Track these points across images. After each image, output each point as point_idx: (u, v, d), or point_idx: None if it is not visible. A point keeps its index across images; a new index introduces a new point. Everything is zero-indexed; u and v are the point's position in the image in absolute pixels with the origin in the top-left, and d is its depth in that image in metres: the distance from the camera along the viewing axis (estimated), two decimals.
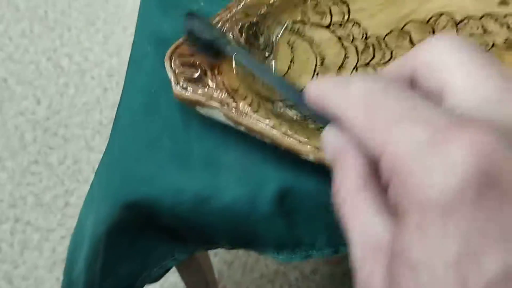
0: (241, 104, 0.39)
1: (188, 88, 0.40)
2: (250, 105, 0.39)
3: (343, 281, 0.96)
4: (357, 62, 0.45)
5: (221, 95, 0.40)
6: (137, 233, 0.44)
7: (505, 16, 0.47)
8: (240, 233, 0.43)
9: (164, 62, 0.41)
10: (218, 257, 0.99)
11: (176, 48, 0.41)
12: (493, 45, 0.45)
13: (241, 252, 0.99)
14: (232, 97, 0.39)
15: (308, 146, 0.38)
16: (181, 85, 0.40)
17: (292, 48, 0.45)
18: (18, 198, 1.09)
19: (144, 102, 0.44)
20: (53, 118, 1.19)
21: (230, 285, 0.97)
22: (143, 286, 0.48)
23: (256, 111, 0.39)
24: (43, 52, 1.26)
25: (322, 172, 0.40)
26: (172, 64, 0.41)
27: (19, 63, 1.26)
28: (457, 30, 0.46)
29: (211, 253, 0.99)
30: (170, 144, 0.42)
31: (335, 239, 0.43)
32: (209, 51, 0.40)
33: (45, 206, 1.09)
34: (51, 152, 1.15)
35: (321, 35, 0.46)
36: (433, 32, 0.46)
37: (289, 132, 0.38)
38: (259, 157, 0.41)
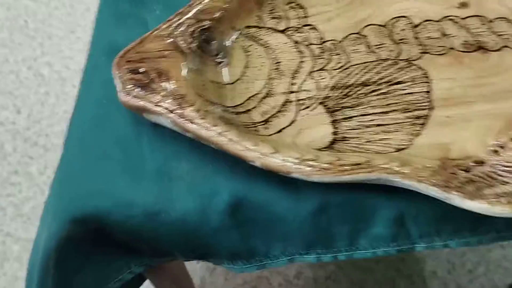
0: (187, 111, 0.39)
1: (135, 94, 0.40)
2: (197, 111, 0.39)
3: (327, 285, 0.95)
4: (312, 66, 0.44)
5: (168, 102, 0.39)
6: (89, 248, 0.43)
7: (465, 18, 0.46)
8: (193, 245, 0.42)
9: None
10: (200, 264, 0.98)
11: (124, 54, 0.41)
12: (451, 47, 0.45)
13: None
14: (179, 104, 0.39)
15: (254, 153, 0.37)
16: (127, 91, 0.40)
17: (247, 53, 0.45)
18: None
19: (95, 114, 0.44)
20: (33, 128, 1.19)
21: None
22: None
23: (203, 118, 0.39)
24: (24, 61, 1.26)
25: (274, 181, 0.40)
26: (119, 71, 0.40)
27: None
28: (415, 34, 0.46)
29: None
30: (121, 157, 0.41)
31: (289, 248, 0.42)
32: None
33: (25, 217, 1.09)
34: (32, 162, 1.15)
35: (277, 40, 0.46)
36: (391, 35, 0.46)
37: (236, 139, 0.38)
38: (211, 167, 0.41)
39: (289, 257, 0.43)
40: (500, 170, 0.38)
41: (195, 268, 0.97)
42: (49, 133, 1.17)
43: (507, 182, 0.37)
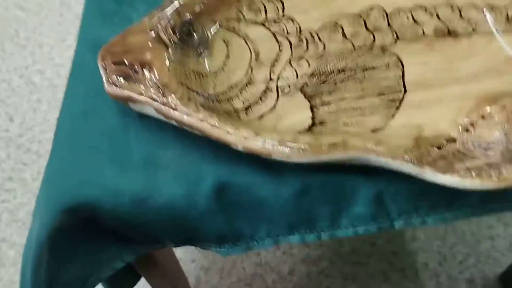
0: (170, 99, 0.40)
1: (120, 85, 0.41)
2: (180, 99, 0.40)
3: (320, 280, 0.96)
4: (291, 55, 0.46)
5: (152, 91, 0.40)
6: (80, 237, 0.44)
7: (434, 6, 0.48)
8: (181, 230, 0.43)
9: None
10: (195, 264, 0.99)
11: (108, 47, 0.42)
12: (423, 34, 0.47)
13: (217, 257, 0.99)
14: (162, 92, 0.40)
15: (236, 137, 0.38)
16: (112, 82, 0.41)
17: (227, 44, 0.46)
18: None
19: (83, 108, 0.45)
20: (26, 135, 1.19)
21: None
22: None
23: (185, 105, 0.40)
24: (15, 70, 1.27)
25: (258, 166, 0.41)
26: (104, 62, 0.41)
27: None
28: (388, 22, 0.47)
29: (188, 259, 0.98)
30: (108, 147, 0.42)
31: (274, 229, 0.43)
32: None
33: (19, 222, 1.09)
34: (25, 169, 1.15)
35: (256, 32, 0.47)
36: (365, 24, 0.47)
37: (218, 124, 0.39)
38: (196, 155, 0.42)
39: (274, 239, 0.44)
40: (470, 146, 0.39)
41: (190, 267, 0.98)
42: (42, 140, 1.18)
43: (477, 157, 0.38)
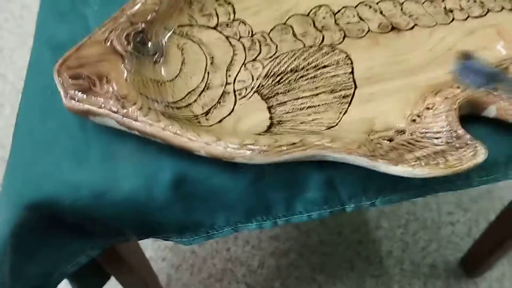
0: (130, 110, 0.38)
1: (78, 99, 0.38)
2: (140, 109, 0.38)
3: (289, 272, 0.95)
4: (245, 58, 0.44)
5: (111, 103, 0.38)
6: (43, 233, 0.42)
7: (378, 2, 0.47)
8: (142, 222, 0.42)
9: None
10: (165, 262, 0.96)
11: (64, 61, 0.40)
12: (368, 30, 0.46)
13: (188, 254, 0.97)
14: (122, 104, 0.38)
15: (198, 143, 0.37)
16: (71, 97, 0.38)
17: (182, 51, 0.44)
18: None
19: (41, 105, 0.43)
20: None
21: None
22: (58, 284, 0.47)
23: (146, 115, 0.38)
24: None
25: None
26: (61, 77, 0.39)
27: None
28: (335, 20, 0.46)
29: (158, 258, 0.96)
30: (67, 143, 0.41)
31: (232, 218, 0.42)
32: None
33: None
34: None
35: (210, 36, 0.45)
36: (314, 23, 0.46)
37: (179, 132, 0.37)
38: (154, 147, 0.40)
39: (233, 227, 0.43)
40: (418, 136, 0.39)
41: (160, 266, 0.95)
42: (6, 144, 1.12)
43: (425, 146, 0.38)
